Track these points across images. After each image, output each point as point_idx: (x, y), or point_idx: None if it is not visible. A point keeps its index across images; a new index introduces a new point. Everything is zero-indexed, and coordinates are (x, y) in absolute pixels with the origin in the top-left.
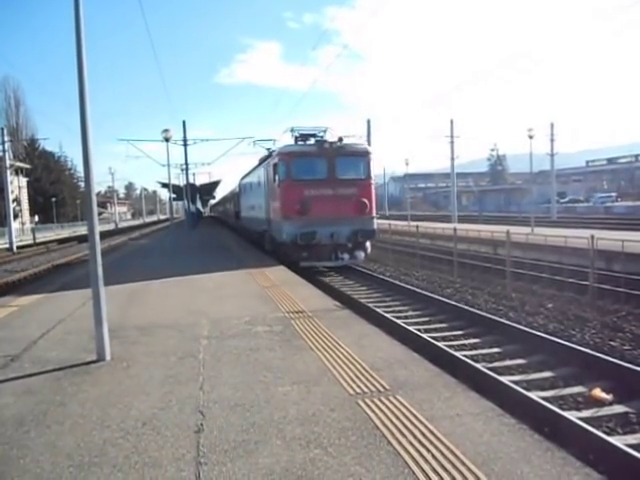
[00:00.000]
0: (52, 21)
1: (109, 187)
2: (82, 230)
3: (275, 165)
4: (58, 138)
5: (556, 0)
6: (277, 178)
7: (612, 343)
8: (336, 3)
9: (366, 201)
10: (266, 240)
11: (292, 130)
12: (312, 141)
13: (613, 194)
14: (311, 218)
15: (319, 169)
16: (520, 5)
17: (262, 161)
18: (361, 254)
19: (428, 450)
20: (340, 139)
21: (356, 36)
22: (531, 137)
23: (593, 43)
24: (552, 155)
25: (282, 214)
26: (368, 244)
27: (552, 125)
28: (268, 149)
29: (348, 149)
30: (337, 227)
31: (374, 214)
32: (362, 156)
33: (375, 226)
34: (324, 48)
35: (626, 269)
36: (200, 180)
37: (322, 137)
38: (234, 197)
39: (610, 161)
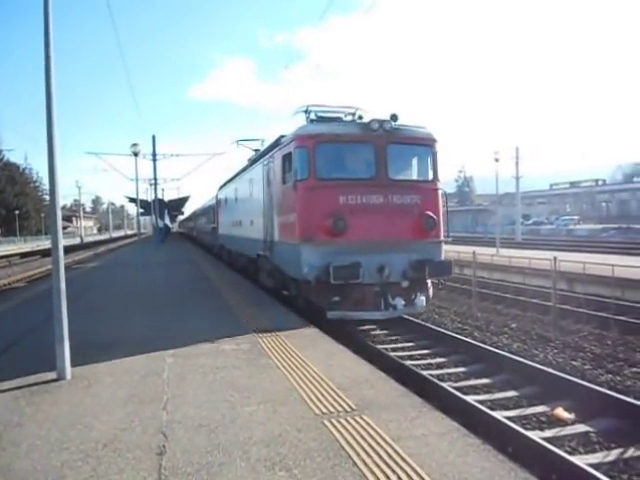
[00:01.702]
0: (19, 29)
1: (75, 200)
2: (46, 244)
3: (288, 156)
4: (23, 150)
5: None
6: (291, 176)
7: (574, 363)
8: (309, 22)
9: (433, 216)
10: (263, 270)
11: (307, 111)
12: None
13: (575, 217)
14: (350, 241)
15: (362, 163)
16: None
17: (258, 158)
18: (422, 300)
19: (394, 471)
20: (394, 117)
21: (328, 55)
22: (497, 160)
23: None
24: (517, 178)
25: (300, 233)
26: (430, 283)
27: (517, 149)
28: (256, 150)
29: (407, 134)
30: (389, 256)
31: (442, 237)
32: (426, 145)
33: (444, 255)
34: (296, 67)
35: (587, 290)
36: (169, 196)
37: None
38: (209, 211)
39: (572, 185)
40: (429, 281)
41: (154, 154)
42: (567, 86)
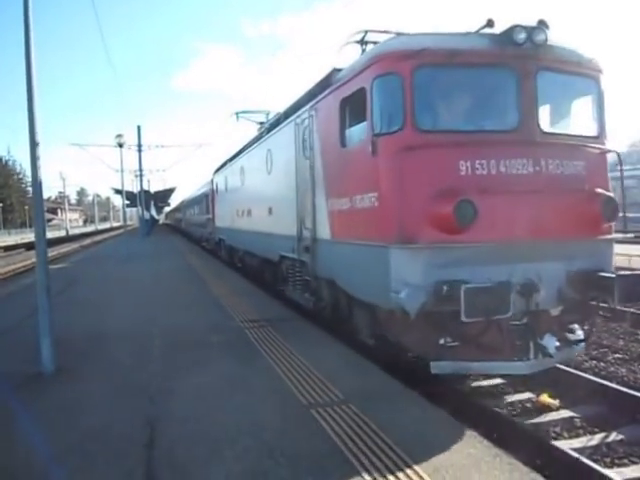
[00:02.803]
0: None
1: (60, 192)
2: (31, 237)
3: (355, 98)
4: (6, 141)
5: None
6: (361, 131)
7: None
8: (294, 9)
9: (613, 197)
10: (292, 281)
11: (363, 42)
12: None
13: None
14: (484, 242)
15: (495, 103)
16: None
17: (282, 118)
18: (580, 336)
19: (380, 459)
20: (543, 23)
21: (314, 42)
22: None
23: None
24: None
25: (389, 229)
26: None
27: None
28: (261, 123)
29: (565, 55)
30: (540, 266)
31: (614, 230)
32: (591, 77)
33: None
34: (283, 53)
35: None
36: (155, 187)
37: None
38: (202, 200)
39: None
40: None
41: (139, 145)
42: None
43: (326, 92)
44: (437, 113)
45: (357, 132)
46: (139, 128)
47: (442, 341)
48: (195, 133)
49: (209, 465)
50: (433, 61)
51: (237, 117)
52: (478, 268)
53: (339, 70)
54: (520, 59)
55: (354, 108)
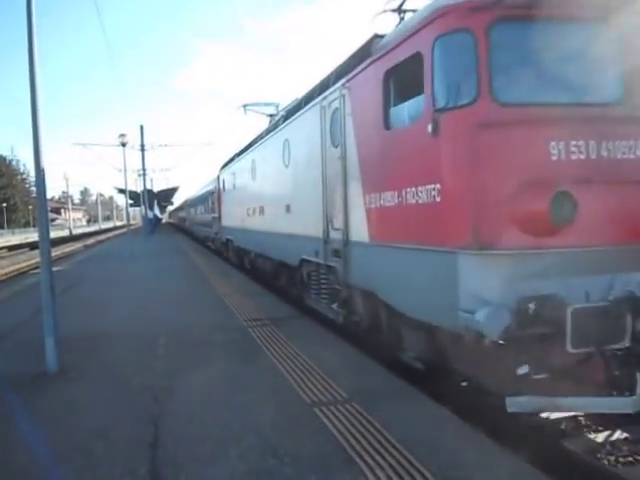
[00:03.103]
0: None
1: (63, 192)
2: (35, 236)
3: (405, 67)
4: (10, 141)
5: None
6: (414, 108)
7: None
8: (297, 4)
9: None
10: (317, 289)
11: (401, 10)
12: None
13: None
14: (581, 247)
15: (593, 68)
16: None
17: (303, 102)
18: None
19: (384, 458)
20: None
21: (319, 35)
22: None
23: None
24: None
25: (458, 230)
26: None
27: None
28: (270, 116)
29: None
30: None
31: None
32: None
33: None
34: (286, 50)
35: None
36: (158, 186)
37: None
38: (207, 198)
39: None
40: None
41: (142, 144)
42: None
43: (364, 64)
44: (520, 81)
45: (408, 110)
46: (142, 128)
47: (521, 371)
48: (198, 132)
49: (214, 464)
50: (515, 14)
51: (245, 110)
52: (572, 280)
53: (381, 37)
54: (625, 12)
55: (404, 80)
